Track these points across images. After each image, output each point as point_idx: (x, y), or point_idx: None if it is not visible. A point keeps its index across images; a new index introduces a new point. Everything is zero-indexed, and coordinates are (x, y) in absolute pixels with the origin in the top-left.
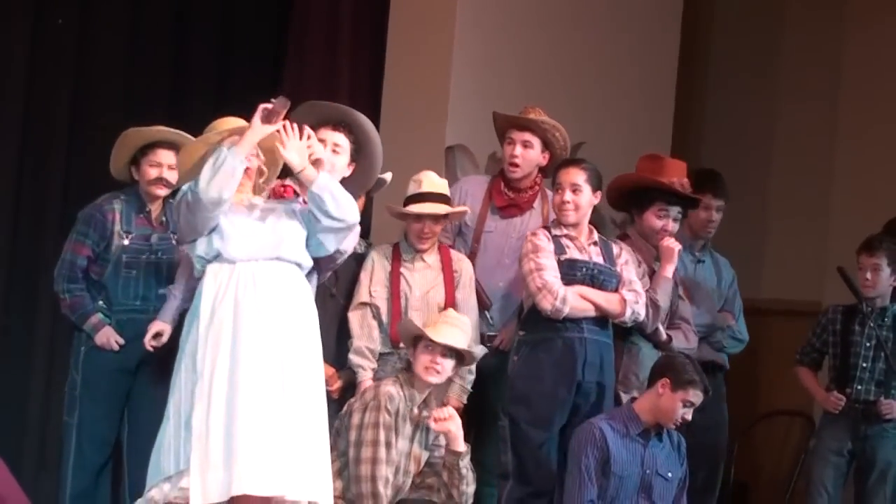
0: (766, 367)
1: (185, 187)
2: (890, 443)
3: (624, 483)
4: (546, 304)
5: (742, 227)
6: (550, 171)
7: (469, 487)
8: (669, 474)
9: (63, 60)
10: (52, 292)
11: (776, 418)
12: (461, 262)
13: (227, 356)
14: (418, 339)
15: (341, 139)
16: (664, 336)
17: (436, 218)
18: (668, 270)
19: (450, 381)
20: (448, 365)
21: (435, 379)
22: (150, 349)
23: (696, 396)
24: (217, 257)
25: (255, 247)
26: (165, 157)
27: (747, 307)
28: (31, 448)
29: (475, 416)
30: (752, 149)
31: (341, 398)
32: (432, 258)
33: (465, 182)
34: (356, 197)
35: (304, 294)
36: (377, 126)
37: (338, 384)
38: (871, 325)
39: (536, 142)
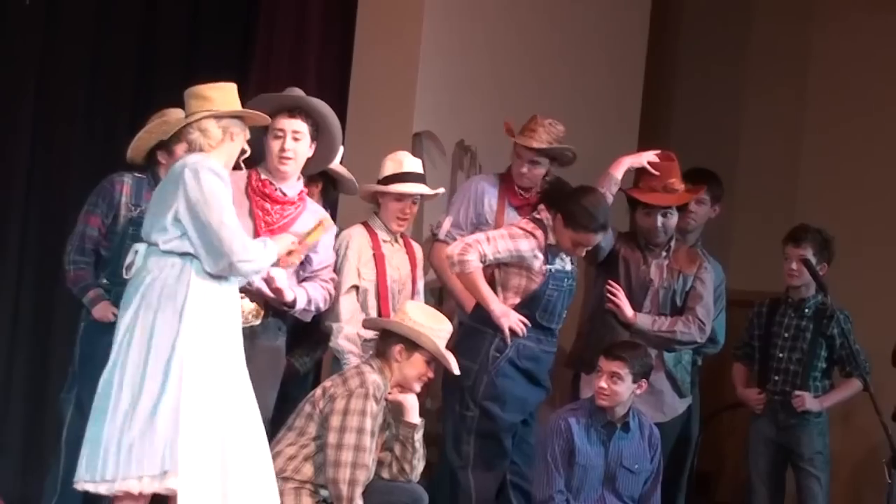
0: (731, 357)
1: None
2: (813, 430)
3: (588, 474)
4: (454, 248)
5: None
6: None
7: (420, 463)
8: (636, 466)
9: (28, 43)
10: (12, 285)
11: (740, 409)
12: (419, 249)
13: (213, 367)
14: (415, 346)
15: (299, 125)
16: (628, 313)
17: (414, 199)
18: (617, 168)
19: None
20: None
21: (419, 389)
22: None
23: (604, 363)
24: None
25: None
26: None
27: None
28: None
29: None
30: (720, 138)
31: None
32: (401, 241)
33: (477, 182)
34: (320, 168)
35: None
36: (345, 113)
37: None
38: (792, 314)
39: (544, 160)
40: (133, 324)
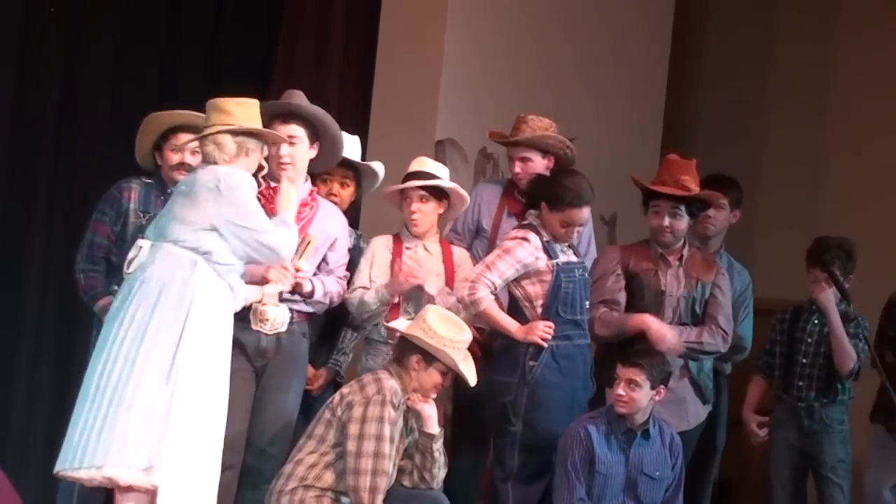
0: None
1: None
2: (836, 438)
3: (609, 482)
4: (461, 291)
5: (733, 225)
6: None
7: (441, 471)
8: (657, 473)
9: (53, 49)
10: (36, 289)
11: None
12: (461, 255)
13: (209, 370)
14: (433, 358)
15: (294, 129)
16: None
17: (421, 196)
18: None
19: None
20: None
21: (435, 396)
22: None
23: (622, 370)
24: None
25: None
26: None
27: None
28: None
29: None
30: (743, 148)
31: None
32: (434, 247)
33: (480, 188)
34: (330, 166)
35: None
36: (368, 119)
37: (320, 381)
38: (816, 321)
39: (534, 154)
40: (130, 315)
